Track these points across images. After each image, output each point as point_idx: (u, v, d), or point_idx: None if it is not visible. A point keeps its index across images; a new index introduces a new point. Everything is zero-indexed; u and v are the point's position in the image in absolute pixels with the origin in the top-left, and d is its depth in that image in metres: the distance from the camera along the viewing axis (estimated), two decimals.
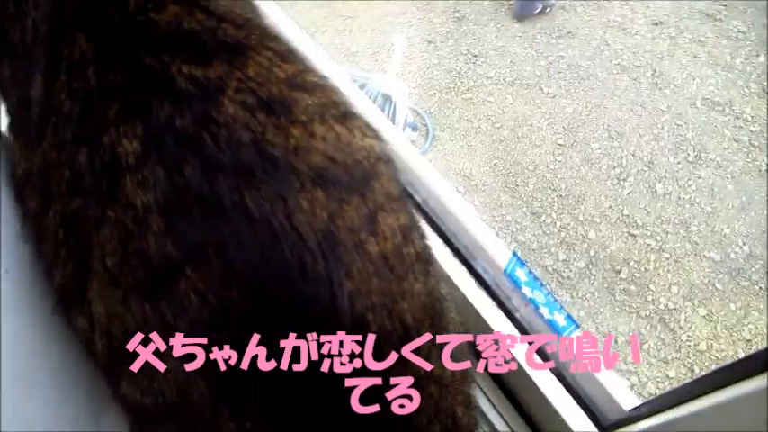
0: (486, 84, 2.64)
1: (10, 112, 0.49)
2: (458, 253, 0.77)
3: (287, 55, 0.44)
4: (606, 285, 2.06)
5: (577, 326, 0.64)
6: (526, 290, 0.68)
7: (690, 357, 1.94)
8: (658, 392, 1.85)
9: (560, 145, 2.44)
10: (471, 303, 0.73)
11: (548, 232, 2.17)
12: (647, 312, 2.02)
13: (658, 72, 2.76)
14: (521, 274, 0.69)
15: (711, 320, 2.01)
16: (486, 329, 0.71)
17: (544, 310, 0.68)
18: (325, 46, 2.79)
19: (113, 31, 0.41)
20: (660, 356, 1.93)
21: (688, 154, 2.47)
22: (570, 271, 2.07)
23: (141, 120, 0.38)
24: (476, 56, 2.75)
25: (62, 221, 0.40)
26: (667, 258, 2.16)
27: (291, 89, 0.42)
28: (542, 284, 0.68)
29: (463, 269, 0.75)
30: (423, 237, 0.49)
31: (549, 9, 2.94)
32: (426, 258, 0.48)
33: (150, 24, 0.41)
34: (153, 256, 0.37)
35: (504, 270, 0.71)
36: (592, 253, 2.13)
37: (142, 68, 0.39)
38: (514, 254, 0.70)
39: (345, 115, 0.45)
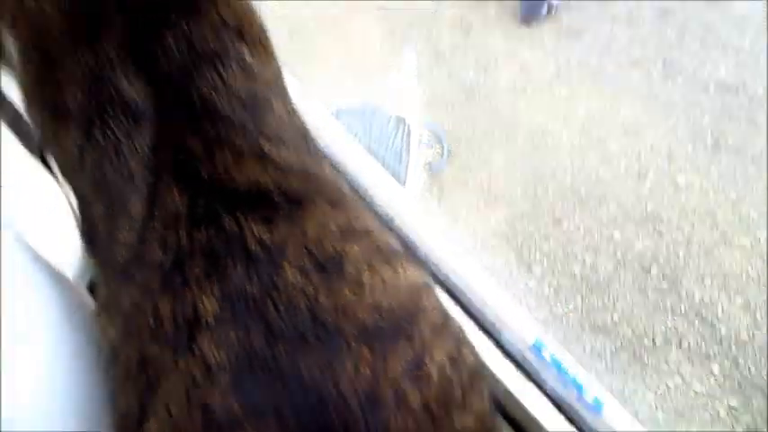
0: (498, 93, 2.66)
1: (88, 236, 0.53)
2: (482, 327, 0.81)
3: (338, 202, 0.48)
4: (637, 286, 2.07)
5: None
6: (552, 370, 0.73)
7: (732, 350, 1.93)
8: (705, 390, 1.86)
9: (577, 147, 2.45)
10: (499, 379, 0.76)
11: (572, 238, 2.18)
12: (683, 309, 2.02)
13: (669, 61, 2.75)
14: (546, 355, 0.74)
15: (749, 309, 2.00)
16: (516, 404, 0.75)
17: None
18: (336, 69, 2.84)
19: (203, 187, 0.45)
20: (702, 352, 1.93)
21: (706, 142, 2.46)
22: (599, 275, 2.08)
23: (219, 280, 0.42)
24: (485, 65, 2.77)
25: (137, 360, 0.45)
26: (697, 251, 2.16)
27: (344, 241, 0.46)
28: (566, 370, 0.72)
29: (489, 342, 0.79)
30: (472, 350, 0.51)
31: (554, 10, 2.95)
32: (478, 373, 0.50)
33: (231, 182, 0.45)
34: (216, 410, 0.40)
35: (532, 346, 0.76)
36: (619, 254, 2.14)
37: (222, 228, 0.43)
38: (537, 341, 0.74)
39: (390, 255, 0.48)
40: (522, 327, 0.80)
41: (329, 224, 0.46)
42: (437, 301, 0.51)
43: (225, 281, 0.42)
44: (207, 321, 0.42)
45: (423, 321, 0.46)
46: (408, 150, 2.22)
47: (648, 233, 2.20)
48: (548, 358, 0.78)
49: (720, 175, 2.36)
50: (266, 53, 0.55)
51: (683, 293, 2.04)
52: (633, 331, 1.95)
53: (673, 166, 2.40)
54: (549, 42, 2.85)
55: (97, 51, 0.46)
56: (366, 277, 0.45)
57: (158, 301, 0.43)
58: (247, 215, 0.44)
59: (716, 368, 1.88)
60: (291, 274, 0.43)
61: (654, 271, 2.10)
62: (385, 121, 2.18)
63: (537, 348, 0.80)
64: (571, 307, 2.02)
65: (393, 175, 2.23)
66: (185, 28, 0.48)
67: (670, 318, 1.98)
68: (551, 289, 2.07)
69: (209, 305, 0.42)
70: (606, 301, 2.02)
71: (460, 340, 0.51)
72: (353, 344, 0.42)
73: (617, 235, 2.19)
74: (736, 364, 1.91)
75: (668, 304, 2.01)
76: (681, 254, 2.14)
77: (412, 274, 0.49)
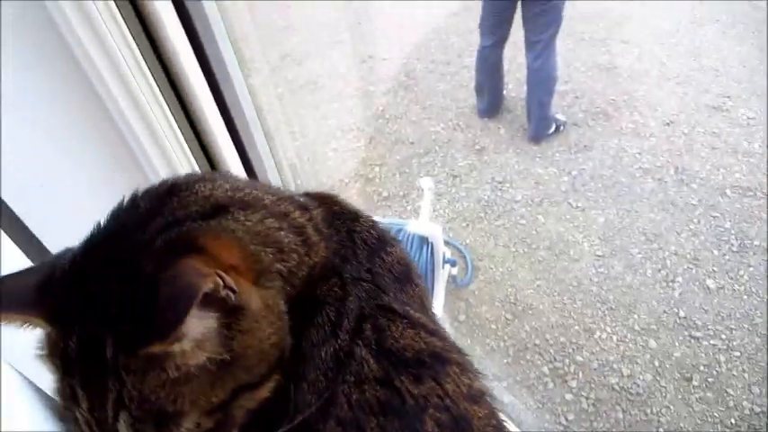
0: (516, 207, 2.76)
1: None
2: None
3: (462, 365, 0.54)
4: (680, 396, 1.98)
5: None
6: None
7: None
8: None
9: (599, 256, 2.48)
10: None
11: (606, 348, 2.14)
12: (733, 420, 1.91)
13: (681, 168, 2.84)
14: None
15: None
16: None
17: None
18: (358, 194, 3.01)
19: (384, 355, 0.51)
20: None
21: (732, 244, 2.47)
22: (638, 386, 2.01)
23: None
24: (501, 182, 2.90)
25: None
26: (738, 357, 2.08)
27: (471, 403, 0.51)
28: None
29: None
30: None
31: (561, 128, 3.13)
32: None
33: (400, 350, 0.51)
34: None
35: None
36: (657, 363, 2.07)
37: (395, 390, 0.49)
38: None
39: (499, 426, 0.54)
40: None
41: (461, 386, 0.52)
42: None
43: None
44: None
45: None
46: (433, 267, 2.27)
47: (685, 340, 2.14)
48: None
49: (751, 276, 2.33)
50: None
51: (731, 403, 1.93)
52: None
53: (700, 270, 2.39)
54: (561, 158, 2.99)
55: None
56: None
57: None
58: (407, 375, 0.49)
59: None
60: (431, 427, 0.48)
61: (696, 380, 2.02)
62: (408, 240, 2.26)
63: None
64: (612, 421, 1.93)
65: None
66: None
67: (720, 430, 1.87)
68: (590, 402, 1.99)
69: None
70: (649, 413, 1.93)
71: None
72: None
73: (652, 343, 2.14)
74: None
75: (716, 416, 1.91)
76: (722, 360, 2.07)
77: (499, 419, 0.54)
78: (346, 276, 0.53)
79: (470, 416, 0.50)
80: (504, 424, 0.55)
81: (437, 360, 0.52)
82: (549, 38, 2.85)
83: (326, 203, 0.61)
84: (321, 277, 0.52)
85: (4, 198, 0.75)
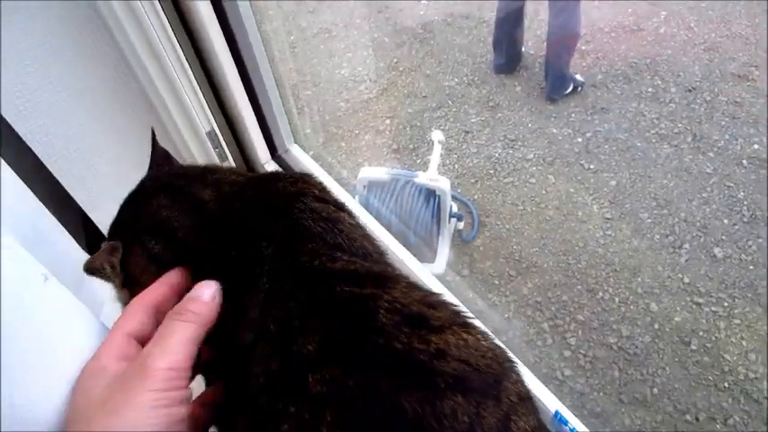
0: (527, 166, 2.72)
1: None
2: None
3: (413, 284, 0.53)
4: (677, 359, 1.99)
5: None
6: None
7: None
8: None
9: (608, 218, 2.46)
10: None
11: (607, 309, 2.14)
12: (727, 384, 1.93)
13: (699, 136, 2.78)
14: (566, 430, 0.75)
15: None
16: None
17: None
18: (368, 146, 2.98)
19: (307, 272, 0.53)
20: (748, 431, 1.82)
21: (743, 214, 2.43)
22: (636, 347, 2.02)
23: (322, 326, 0.48)
24: (513, 140, 2.86)
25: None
26: (738, 324, 2.08)
27: (426, 307, 0.50)
28: None
29: None
30: None
31: (579, 88, 3.06)
32: None
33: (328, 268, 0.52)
34: None
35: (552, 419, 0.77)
36: (656, 326, 2.08)
37: (317, 288, 0.50)
38: (556, 413, 0.75)
39: (467, 324, 0.52)
40: (543, 398, 0.80)
41: (412, 295, 0.51)
42: (521, 377, 0.53)
43: (327, 328, 0.47)
44: (312, 363, 0.45)
45: (509, 388, 0.48)
46: (439, 221, 2.27)
47: (687, 305, 2.14)
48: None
49: (759, 248, 2.31)
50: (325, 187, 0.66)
51: (726, 368, 1.95)
52: (675, 406, 1.86)
53: (709, 238, 2.36)
54: (577, 118, 2.93)
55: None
56: (450, 336, 0.48)
57: (262, 352, 0.48)
58: (339, 282, 0.50)
59: None
60: (385, 320, 0.47)
61: (694, 344, 2.03)
62: (416, 192, 2.25)
63: (558, 421, 0.79)
64: (608, 379, 1.95)
65: (424, 245, 2.28)
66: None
67: (713, 393, 1.89)
68: (587, 360, 2.01)
69: (312, 347, 0.46)
70: (645, 373, 1.95)
71: (541, 424, 0.52)
72: (449, 388, 0.44)
73: (654, 306, 2.14)
74: None
75: (711, 379, 1.92)
76: (722, 327, 2.07)
77: (493, 344, 0.52)
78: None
79: (427, 315, 0.49)
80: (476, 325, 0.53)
81: (380, 278, 0.52)
82: None
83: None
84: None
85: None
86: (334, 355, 0.46)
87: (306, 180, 0.63)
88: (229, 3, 0.89)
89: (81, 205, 0.81)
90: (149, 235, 0.60)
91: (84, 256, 0.66)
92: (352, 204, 0.90)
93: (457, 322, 0.51)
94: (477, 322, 0.54)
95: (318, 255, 0.53)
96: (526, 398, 0.50)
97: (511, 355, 0.54)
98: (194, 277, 0.60)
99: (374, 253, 0.62)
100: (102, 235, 0.69)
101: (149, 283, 0.57)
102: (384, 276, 0.53)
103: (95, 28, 0.83)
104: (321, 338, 0.46)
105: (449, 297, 0.58)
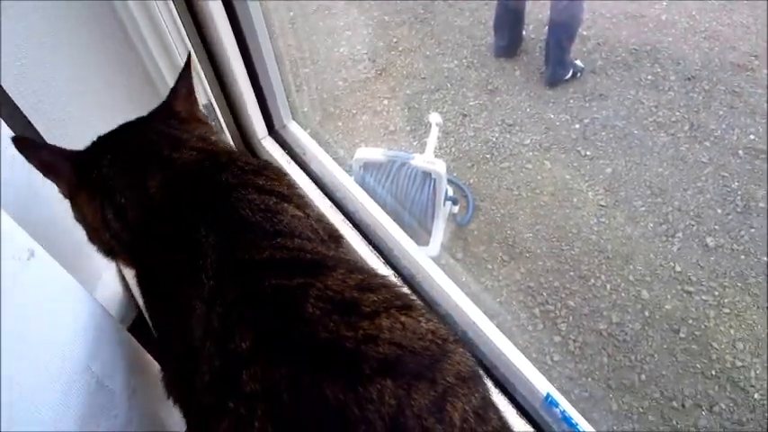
0: (523, 151, 2.72)
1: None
2: (497, 382, 0.83)
3: (355, 268, 0.54)
4: (666, 346, 2.01)
5: None
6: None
7: (766, 417, 1.84)
8: None
9: (602, 206, 2.46)
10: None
11: (598, 295, 2.16)
12: (714, 372, 1.95)
13: (696, 125, 2.78)
14: (556, 412, 0.75)
15: None
16: None
17: None
18: (365, 127, 2.96)
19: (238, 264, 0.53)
20: (734, 419, 1.85)
21: (737, 204, 2.44)
22: (626, 334, 2.04)
23: (253, 320, 0.48)
24: (510, 125, 2.85)
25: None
26: (728, 313, 2.10)
27: (360, 292, 0.50)
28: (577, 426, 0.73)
29: (504, 399, 0.81)
30: (498, 414, 0.53)
31: (579, 74, 3.04)
32: None
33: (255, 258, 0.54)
34: None
35: (543, 400, 0.78)
36: (647, 314, 2.09)
37: (246, 284, 0.51)
38: (548, 395, 0.75)
39: (408, 306, 0.52)
40: (534, 381, 0.81)
41: (347, 281, 0.52)
42: (466, 357, 0.52)
43: (258, 324, 0.48)
44: (246, 359, 0.46)
45: (447, 367, 0.48)
46: (434, 204, 2.26)
47: (677, 293, 2.16)
48: (559, 414, 0.78)
49: (751, 238, 2.32)
50: (279, 177, 0.68)
51: (714, 356, 1.97)
52: (662, 393, 1.89)
53: (702, 227, 2.38)
54: (575, 104, 2.92)
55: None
56: (384, 320, 0.49)
57: (208, 349, 0.49)
58: (269, 275, 0.51)
59: None
60: (313, 311, 0.47)
61: (683, 332, 2.05)
62: (412, 174, 2.24)
63: (548, 404, 0.80)
64: (597, 364, 1.97)
65: (419, 227, 2.28)
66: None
67: (700, 381, 1.91)
68: (577, 345, 2.03)
69: (246, 345, 0.47)
70: (633, 360, 1.97)
71: (487, 401, 0.52)
72: (376, 373, 0.45)
73: (645, 294, 2.16)
74: None
75: (698, 367, 1.95)
76: (711, 315, 2.09)
77: (435, 324, 0.52)
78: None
79: (358, 301, 0.49)
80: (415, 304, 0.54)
81: (314, 266, 0.53)
82: None
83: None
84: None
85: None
86: (265, 350, 0.46)
87: (257, 171, 0.65)
88: None
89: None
90: (108, 197, 0.63)
91: (76, 227, 0.65)
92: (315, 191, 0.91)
93: (395, 305, 0.51)
94: (419, 303, 0.55)
95: (254, 245, 0.54)
96: (468, 378, 0.50)
97: (457, 334, 0.54)
98: (137, 261, 0.62)
99: (324, 235, 0.63)
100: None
101: (95, 225, 0.63)
102: (319, 263, 0.53)
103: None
104: (253, 335, 0.47)
105: (394, 278, 0.58)
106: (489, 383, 0.81)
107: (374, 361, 0.45)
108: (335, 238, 0.64)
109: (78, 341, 0.53)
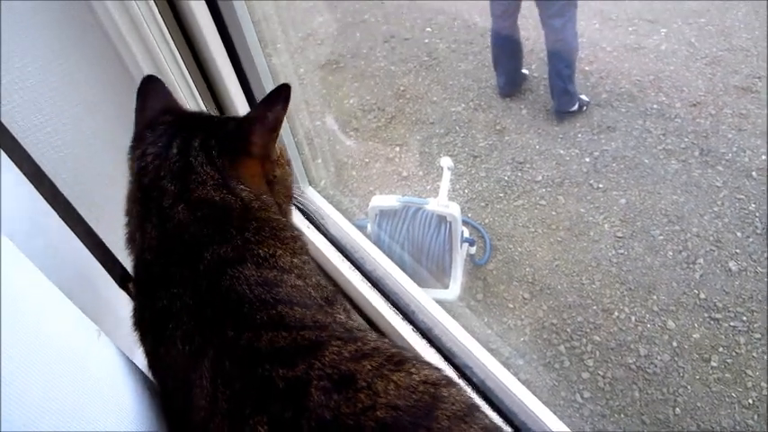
0: (536, 188, 2.75)
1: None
2: (515, 428, 0.84)
3: (348, 338, 0.58)
4: (698, 377, 1.98)
5: None
6: None
7: None
8: None
9: (620, 237, 2.46)
10: None
11: (623, 328, 2.14)
12: (751, 401, 1.91)
13: (706, 150, 2.79)
14: None
15: None
16: None
17: None
18: (378, 174, 3.03)
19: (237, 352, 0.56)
20: None
21: (756, 227, 2.43)
22: (655, 366, 2.01)
23: (266, 412, 0.51)
24: (521, 163, 2.89)
25: None
26: (759, 339, 2.07)
27: (355, 363, 0.54)
28: None
29: None
30: None
31: (585, 108, 3.10)
32: None
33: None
34: None
35: None
36: (675, 344, 2.07)
37: (255, 376, 0.54)
38: None
39: (400, 362, 0.56)
40: (551, 424, 0.82)
41: (342, 353, 0.55)
42: (460, 394, 0.55)
43: (270, 414, 0.51)
44: None
45: (441, 415, 0.51)
46: (451, 246, 2.29)
47: (704, 321, 2.13)
48: None
49: None
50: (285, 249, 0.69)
51: (750, 384, 1.93)
52: (698, 426, 1.85)
53: (723, 252, 2.36)
54: (583, 138, 2.96)
55: None
56: (379, 385, 0.52)
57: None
58: (274, 365, 0.53)
59: None
60: (317, 396, 0.51)
61: (715, 361, 2.01)
62: (427, 219, 2.28)
63: None
64: (629, 400, 1.94)
65: (438, 270, 2.30)
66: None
67: (738, 411, 1.87)
68: (606, 381, 2.00)
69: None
70: (666, 393, 1.94)
71: (490, 428, 0.54)
72: None
73: (671, 324, 2.13)
74: None
75: (734, 396, 1.91)
76: (742, 342, 2.05)
77: (426, 372, 0.56)
78: None
79: (354, 373, 0.53)
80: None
81: (312, 347, 0.55)
82: (563, 5, 2.82)
83: None
84: None
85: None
86: None
87: (258, 241, 0.65)
88: (238, 38, 0.94)
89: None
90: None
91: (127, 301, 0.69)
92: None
93: (387, 367, 0.54)
94: (410, 355, 0.58)
95: (252, 323, 0.57)
96: (465, 415, 0.53)
97: (445, 373, 0.58)
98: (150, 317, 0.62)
99: (320, 301, 0.65)
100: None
101: None
102: (315, 342, 0.56)
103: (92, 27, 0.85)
104: (269, 424, 0.50)
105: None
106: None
107: (370, 430, 0.49)
108: (331, 302, 0.68)
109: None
